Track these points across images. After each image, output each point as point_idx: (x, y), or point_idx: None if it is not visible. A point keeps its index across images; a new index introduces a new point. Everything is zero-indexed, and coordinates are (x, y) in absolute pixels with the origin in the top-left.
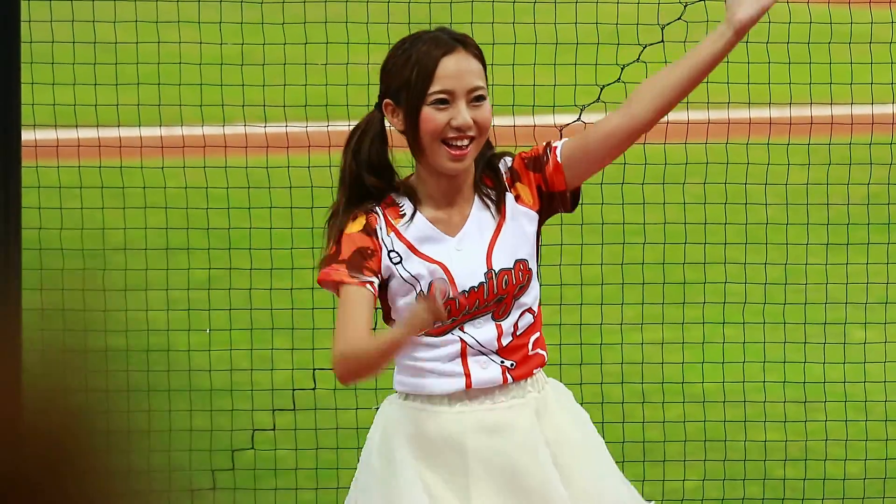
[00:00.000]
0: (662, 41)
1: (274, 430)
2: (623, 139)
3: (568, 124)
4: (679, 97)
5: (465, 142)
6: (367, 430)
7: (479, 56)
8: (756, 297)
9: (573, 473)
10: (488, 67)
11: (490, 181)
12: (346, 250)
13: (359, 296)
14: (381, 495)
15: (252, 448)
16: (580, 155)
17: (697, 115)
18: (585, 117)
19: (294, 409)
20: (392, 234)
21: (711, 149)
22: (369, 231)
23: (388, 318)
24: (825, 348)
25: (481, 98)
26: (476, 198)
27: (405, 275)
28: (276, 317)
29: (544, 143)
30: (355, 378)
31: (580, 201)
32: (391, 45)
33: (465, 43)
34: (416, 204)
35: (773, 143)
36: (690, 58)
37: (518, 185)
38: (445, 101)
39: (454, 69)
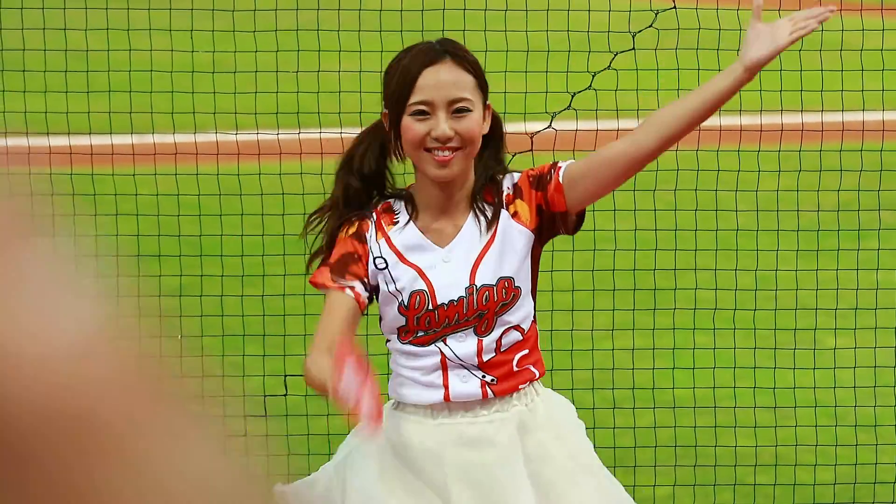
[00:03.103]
0: (633, 49)
1: (245, 436)
2: (626, 167)
3: (539, 131)
4: (685, 131)
5: (447, 152)
6: (338, 437)
7: (470, 68)
8: (726, 303)
9: (556, 491)
10: None
11: (490, 196)
12: (336, 254)
13: (339, 301)
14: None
15: None
16: (583, 178)
17: None
18: (556, 124)
19: (265, 416)
20: (382, 239)
21: (682, 156)
22: (360, 236)
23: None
24: (795, 354)
25: (464, 110)
26: (472, 211)
27: (389, 285)
28: (248, 324)
29: (551, 163)
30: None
31: (583, 225)
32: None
33: (453, 54)
34: (413, 211)
35: (744, 150)
36: (700, 93)
37: (518, 201)
38: (425, 112)
39: (434, 80)
